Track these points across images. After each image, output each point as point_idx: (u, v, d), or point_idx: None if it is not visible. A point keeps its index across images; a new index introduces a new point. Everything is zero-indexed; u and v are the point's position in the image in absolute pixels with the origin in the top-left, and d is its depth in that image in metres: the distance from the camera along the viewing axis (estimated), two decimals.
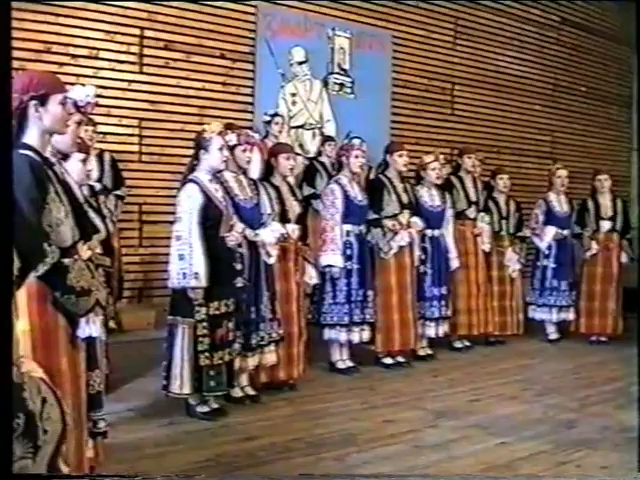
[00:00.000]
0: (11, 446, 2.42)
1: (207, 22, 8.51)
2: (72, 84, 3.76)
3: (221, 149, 5.02)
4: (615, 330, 8.22)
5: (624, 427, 5.06)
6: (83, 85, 3.80)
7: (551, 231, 8.20)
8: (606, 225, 8.26)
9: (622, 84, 13.39)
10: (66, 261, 2.78)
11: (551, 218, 8.24)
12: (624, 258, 8.23)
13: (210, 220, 4.92)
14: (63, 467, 2.54)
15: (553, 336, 8.33)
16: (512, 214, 8.11)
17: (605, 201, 8.31)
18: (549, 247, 8.23)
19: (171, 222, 5.09)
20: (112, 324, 5.91)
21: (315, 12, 9.37)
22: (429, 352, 7.19)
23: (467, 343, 7.71)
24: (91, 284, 2.89)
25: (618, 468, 4.30)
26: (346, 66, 9.69)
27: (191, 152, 5.23)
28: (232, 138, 5.25)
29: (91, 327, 2.98)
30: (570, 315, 8.30)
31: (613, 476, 4.19)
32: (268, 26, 8.98)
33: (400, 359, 6.80)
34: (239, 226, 5.21)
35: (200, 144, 5.05)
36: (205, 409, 5.08)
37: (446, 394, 5.94)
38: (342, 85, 9.65)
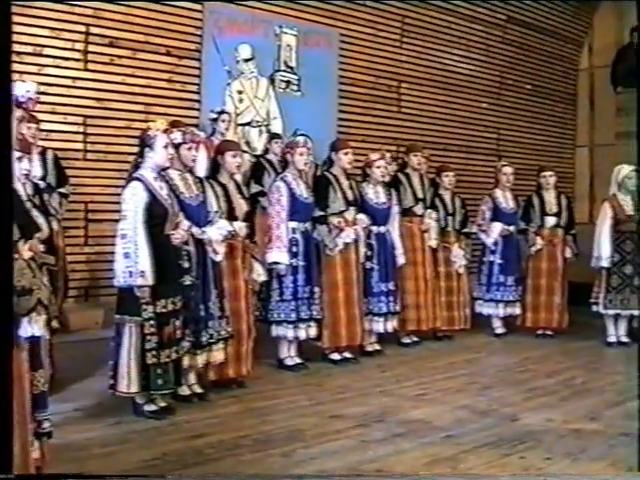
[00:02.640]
0: (11, 448, 2.39)
1: (153, 19, 8.42)
2: (16, 81, 3.71)
3: (166, 147, 5.02)
4: (560, 324, 8.37)
5: (567, 419, 5.16)
6: (24, 81, 3.75)
7: (497, 227, 8.31)
8: (551, 221, 8.38)
9: (567, 82, 13.54)
10: None
11: (497, 214, 8.36)
12: (568, 253, 8.35)
13: (155, 218, 4.90)
14: None
15: (500, 330, 8.45)
16: (458, 210, 8.22)
17: (550, 197, 8.44)
18: (495, 243, 8.34)
19: (117, 220, 5.05)
20: (55, 324, 5.83)
21: (262, 10, 9.30)
22: (377, 348, 7.24)
23: (415, 338, 7.78)
24: (33, 283, 2.87)
25: (562, 459, 4.37)
26: (293, 64, 9.67)
27: (136, 150, 5.21)
28: (177, 136, 5.24)
29: (33, 326, 2.96)
30: (516, 310, 8.42)
31: (557, 467, 4.26)
32: (215, 23, 8.91)
33: (347, 355, 6.84)
34: (185, 224, 5.19)
35: (145, 142, 5.04)
36: (152, 408, 5.05)
37: (393, 389, 5.99)
38: (289, 82, 9.63)
